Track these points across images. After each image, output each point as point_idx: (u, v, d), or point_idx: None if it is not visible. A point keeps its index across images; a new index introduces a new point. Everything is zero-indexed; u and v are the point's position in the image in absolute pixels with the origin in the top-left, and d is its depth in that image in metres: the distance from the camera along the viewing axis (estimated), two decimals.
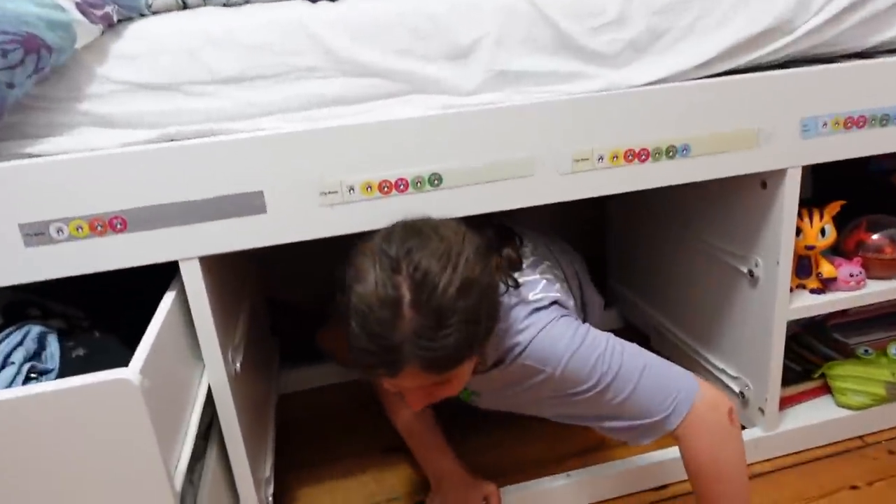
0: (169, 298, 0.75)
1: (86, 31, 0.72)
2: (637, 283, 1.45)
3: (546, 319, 0.83)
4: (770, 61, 0.92)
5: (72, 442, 0.56)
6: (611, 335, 0.84)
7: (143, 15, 0.81)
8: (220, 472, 0.85)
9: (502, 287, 0.82)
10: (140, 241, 0.74)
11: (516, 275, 0.87)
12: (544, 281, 0.88)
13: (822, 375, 1.20)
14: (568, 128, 0.84)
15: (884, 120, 0.95)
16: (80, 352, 0.75)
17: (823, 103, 0.92)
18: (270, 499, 0.98)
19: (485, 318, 0.72)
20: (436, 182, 0.82)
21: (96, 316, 0.86)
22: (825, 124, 0.93)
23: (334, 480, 1.14)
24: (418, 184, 0.81)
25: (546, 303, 0.85)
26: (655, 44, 0.86)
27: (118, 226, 0.74)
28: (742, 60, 0.89)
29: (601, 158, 0.86)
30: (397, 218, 0.77)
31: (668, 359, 0.85)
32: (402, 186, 0.81)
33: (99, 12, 0.74)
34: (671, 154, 0.88)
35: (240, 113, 0.79)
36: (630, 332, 1.47)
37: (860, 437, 1.17)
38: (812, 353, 1.27)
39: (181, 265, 0.77)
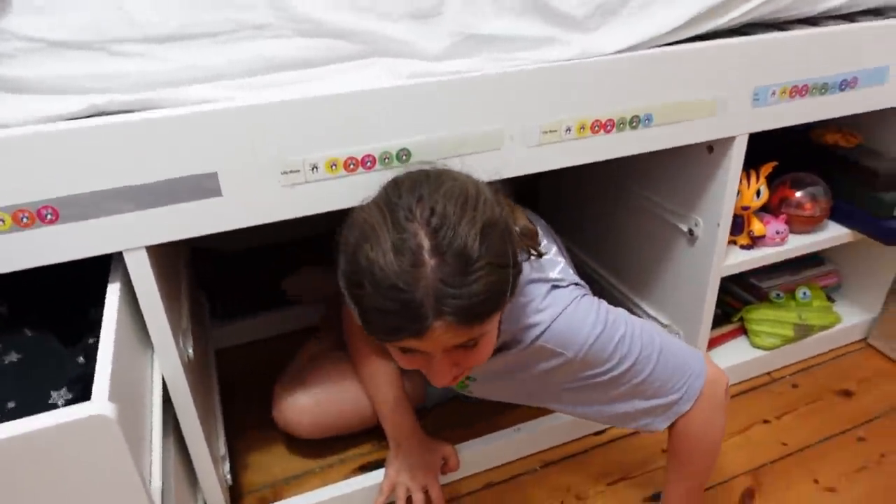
0: (115, 294, 0.67)
1: None
2: (570, 228, 1.48)
3: (568, 299, 0.78)
4: (732, 27, 0.92)
5: (40, 483, 0.50)
6: (626, 313, 0.82)
7: None
8: (177, 458, 0.81)
9: (522, 255, 0.75)
10: (76, 232, 0.65)
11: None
12: (563, 263, 0.85)
13: (741, 319, 1.31)
14: (537, 99, 0.81)
15: (823, 88, 0.98)
16: (14, 357, 0.66)
17: (774, 73, 0.93)
18: (228, 476, 0.95)
19: (512, 262, 0.66)
20: (404, 157, 0.77)
21: (16, 303, 0.76)
22: (773, 93, 0.95)
23: (283, 445, 1.13)
24: (386, 160, 0.76)
25: (566, 283, 0.81)
26: (626, 5, 0.83)
27: (48, 216, 0.64)
28: (710, 25, 0.88)
29: (568, 130, 0.84)
30: (366, 196, 0.71)
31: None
32: (369, 163, 0.75)
33: None
34: (634, 124, 0.88)
35: (178, 78, 0.68)
36: None
37: (768, 374, 1.30)
38: (731, 297, 1.36)
39: (126, 256, 0.68)
